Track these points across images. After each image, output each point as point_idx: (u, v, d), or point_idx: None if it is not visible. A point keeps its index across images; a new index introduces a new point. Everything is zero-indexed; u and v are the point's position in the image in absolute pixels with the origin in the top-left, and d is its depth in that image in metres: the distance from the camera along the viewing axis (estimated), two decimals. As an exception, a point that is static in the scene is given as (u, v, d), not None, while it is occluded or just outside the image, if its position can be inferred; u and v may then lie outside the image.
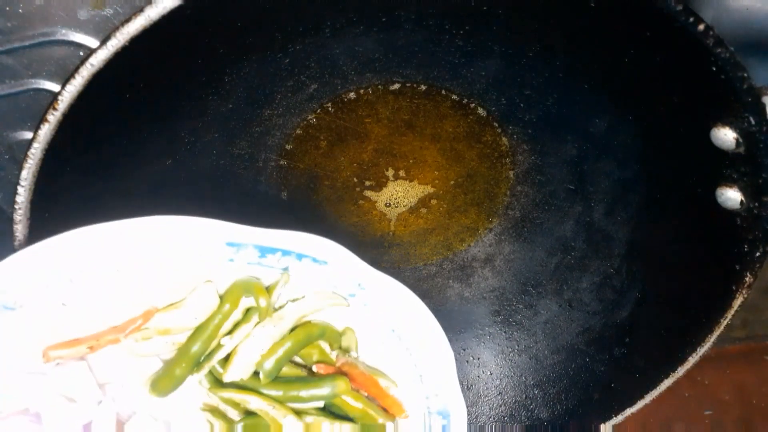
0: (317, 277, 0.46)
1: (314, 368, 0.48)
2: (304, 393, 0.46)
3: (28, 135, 0.60)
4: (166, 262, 0.45)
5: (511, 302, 0.69)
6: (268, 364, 0.46)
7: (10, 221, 0.48)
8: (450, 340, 0.70)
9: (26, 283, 0.43)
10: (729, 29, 0.46)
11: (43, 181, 0.47)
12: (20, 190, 0.46)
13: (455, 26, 0.57)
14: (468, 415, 0.68)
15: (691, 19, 0.44)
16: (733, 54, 0.45)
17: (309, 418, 0.46)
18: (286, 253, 0.45)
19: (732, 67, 0.45)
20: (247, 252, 0.45)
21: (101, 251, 0.44)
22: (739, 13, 0.55)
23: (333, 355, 0.48)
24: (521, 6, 0.54)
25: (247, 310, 0.47)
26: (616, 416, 0.59)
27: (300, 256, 0.45)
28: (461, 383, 0.69)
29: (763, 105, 0.46)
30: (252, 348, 0.46)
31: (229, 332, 0.46)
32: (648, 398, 0.58)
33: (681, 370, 0.56)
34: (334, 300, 0.47)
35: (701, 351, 0.56)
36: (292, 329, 0.47)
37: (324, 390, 0.46)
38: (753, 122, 0.46)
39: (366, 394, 0.48)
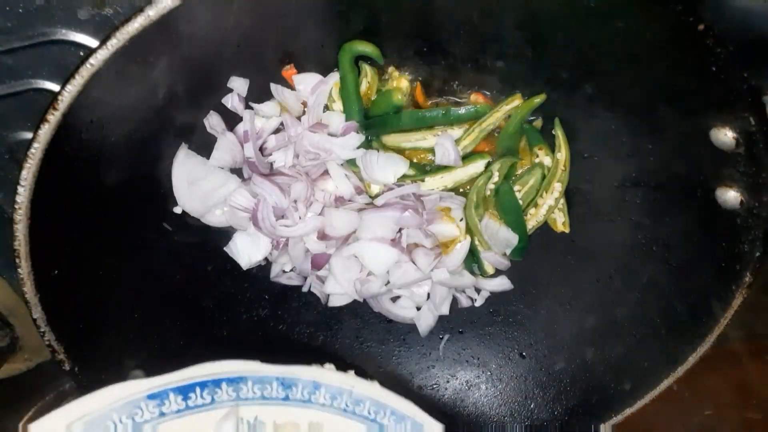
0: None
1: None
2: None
3: (28, 135, 0.60)
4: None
5: (511, 302, 0.69)
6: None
7: (10, 221, 0.48)
8: (450, 340, 0.70)
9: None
10: (729, 29, 0.46)
11: (43, 181, 0.47)
12: (20, 190, 0.46)
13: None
14: (468, 415, 0.68)
15: (691, 19, 0.44)
16: (733, 54, 0.45)
17: None
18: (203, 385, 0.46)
19: (732, 67, 0.45)
20: (170, 401, 0.46)
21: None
22: (739, 13, 0.55)
23: None
24: (523, 5, 0.54)
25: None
26: (616, 416, 0.59)
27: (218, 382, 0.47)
28: (461, 383, 0.69)
29: (763, 105, 0.46)
30: None
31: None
32: (648, 398, 0.58)
33: (681, 370, 0.56)
34: None
35: (701, 351, 0.56)
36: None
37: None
38: (753, 122, 0.46)
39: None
